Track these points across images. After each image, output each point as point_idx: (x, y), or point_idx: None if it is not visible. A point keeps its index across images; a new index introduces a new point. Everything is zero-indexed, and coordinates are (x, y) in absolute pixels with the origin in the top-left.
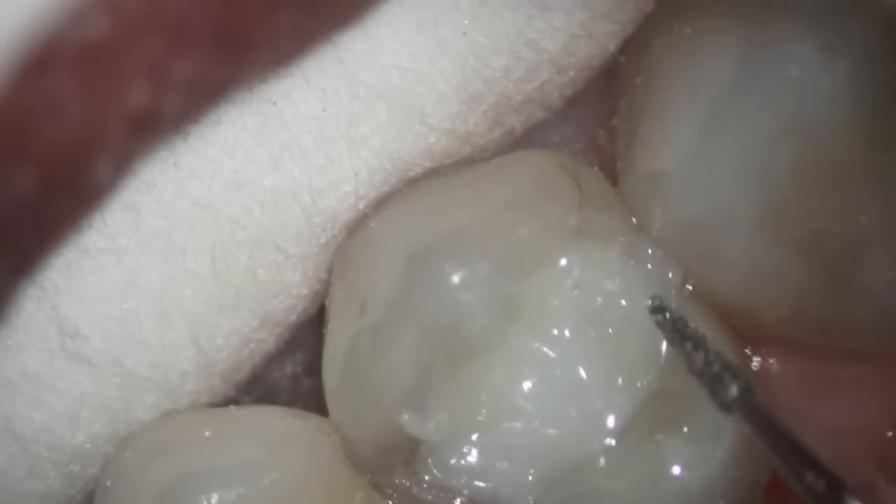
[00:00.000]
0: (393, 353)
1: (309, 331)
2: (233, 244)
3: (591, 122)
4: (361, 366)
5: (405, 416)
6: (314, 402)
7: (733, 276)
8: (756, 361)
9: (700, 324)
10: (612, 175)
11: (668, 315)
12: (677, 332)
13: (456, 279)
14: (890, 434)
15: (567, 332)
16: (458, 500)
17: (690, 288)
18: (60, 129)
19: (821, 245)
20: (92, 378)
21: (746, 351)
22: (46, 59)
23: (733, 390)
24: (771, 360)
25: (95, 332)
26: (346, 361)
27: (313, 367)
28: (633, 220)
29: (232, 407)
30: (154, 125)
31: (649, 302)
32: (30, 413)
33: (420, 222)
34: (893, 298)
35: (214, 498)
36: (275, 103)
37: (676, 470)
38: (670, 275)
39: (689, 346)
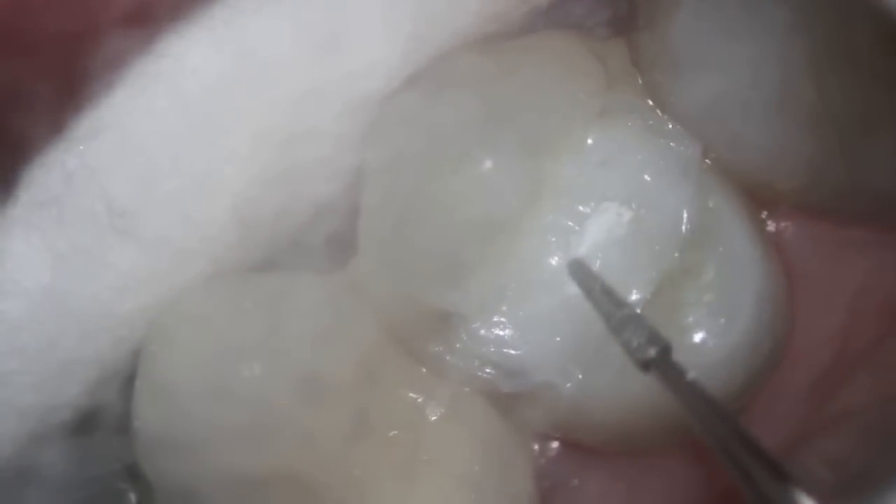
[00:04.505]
0: (427, 229)
1: (341, 196)
2: (274, 123)
3: None
4: (397, 241)
5: (439, 289)
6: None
7: (750, 150)
8: (772, 225)
9: (719, 193)
10: (633, 46)
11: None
12: (597, 290)
13: (486, 160)
14: None
15: (593, 208)
16: (489, 367)
17: (709, 162)
18: None
19: (833, 119)
20: (140, 252)
21: (763, 215)
22: None
23: (651, 351)
24: (787, 223)
25: (143, 210)
26: (382, 236)
27: (345, 230)
28: (654, 95)
29: (273, 275)
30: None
31: (567, 262)
32: (80, 285)
33: (450, 103)
34: None
35: (257, 369)
36: None
37: (698, 339)
38: (691, 150)
39: (607, 305)
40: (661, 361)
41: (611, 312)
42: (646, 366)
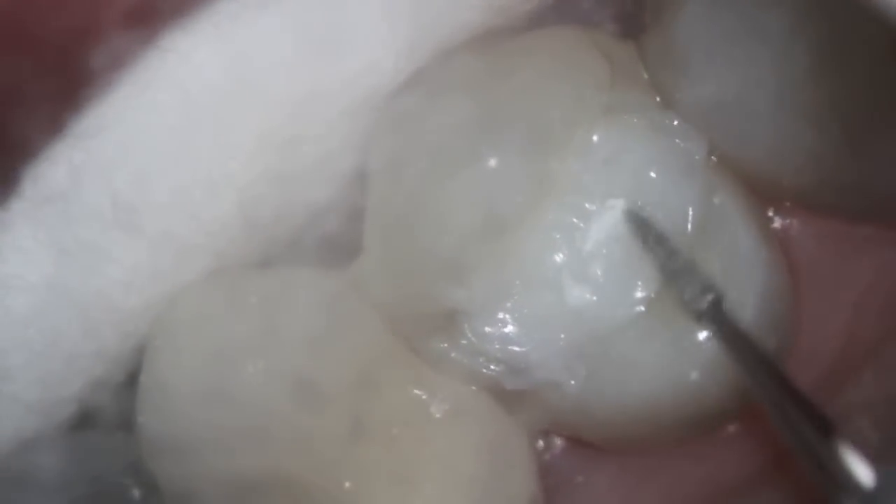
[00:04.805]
0: (431, 227)
1: (343, 195)
2: (278, 120)
3: None
4: (401, 239)
5: (443, 287)
6: (349, 260)
7: (755, 147)
8: (778, 222)
9: (724, 191)
10: (639, 43)
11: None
12: (652, 239)
13: (490, 158)
14: None
15: (598, 205)
16: (493, 364)
17: (714, 159)
18: None
19: (838, 117)
20: (145, 247)
21: (769, 213)
22: None
23: (704, 300)
24: (792, 220)
25: (148, 205)
26: (386, 234)
27: (348, 225)
28: (660, 92)
29: (275, 272)
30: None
31: (623, 209)
32: (85, 280)
33: (454, 102)
34: None
35: (256, 368)
36: None
37: (701, 337)
38: (696, 147)
39: (663, 253)
40: (713, 311)
41: (664, 261)
42: (699, 316)
